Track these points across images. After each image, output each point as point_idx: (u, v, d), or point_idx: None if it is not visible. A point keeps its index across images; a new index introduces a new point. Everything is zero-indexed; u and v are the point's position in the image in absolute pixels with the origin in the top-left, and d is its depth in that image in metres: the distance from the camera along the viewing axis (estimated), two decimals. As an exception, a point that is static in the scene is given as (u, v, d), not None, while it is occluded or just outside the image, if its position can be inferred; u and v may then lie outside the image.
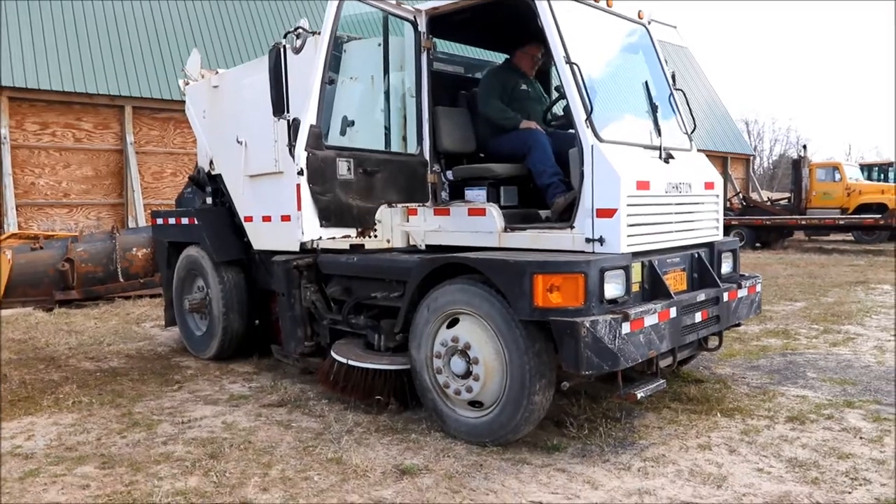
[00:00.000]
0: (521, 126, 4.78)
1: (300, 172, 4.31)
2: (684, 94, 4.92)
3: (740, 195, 20.94)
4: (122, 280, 9.22)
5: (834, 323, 7.42)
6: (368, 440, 3.99)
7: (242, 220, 5.86)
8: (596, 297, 3.55)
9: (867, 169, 21.89)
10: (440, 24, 4.70)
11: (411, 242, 4.89)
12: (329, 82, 4.43)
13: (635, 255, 3.86)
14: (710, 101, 26.11)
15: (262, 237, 5.67)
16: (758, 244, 18.24)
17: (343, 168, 4.50)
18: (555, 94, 5.43)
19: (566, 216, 4.15)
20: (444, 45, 5.05)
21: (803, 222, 18.14)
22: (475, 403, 3.92)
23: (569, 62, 3.90)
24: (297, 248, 5.12)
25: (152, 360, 6.15)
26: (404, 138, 4.87)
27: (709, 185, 4.61)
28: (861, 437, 3.91)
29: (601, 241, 3.79)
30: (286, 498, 3.26)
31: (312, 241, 4.56)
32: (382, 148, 4.81)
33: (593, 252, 3.81)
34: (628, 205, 3.79)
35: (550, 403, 3.83)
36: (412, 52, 4.75)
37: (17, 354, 6.36)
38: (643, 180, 3.91)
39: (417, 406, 4.40)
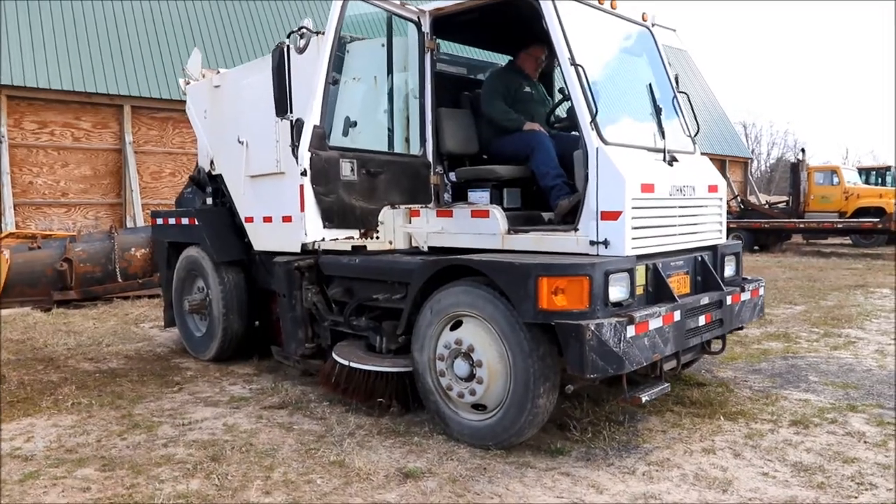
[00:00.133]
0: (524, 128, 4.76)
1: (304, 173, 4.29)
2: (688, 97, 4.92)
3: (738, 198, 20.96)
4: (120, 280, 9.19)
5: (834, 326, 7.41)
6: (371, 443, 3.97)
7: (243, 220, 5.84)
8: (600, 300, 3.53)
9: (865, 172, 21.94)
10: (444, 24, 4.68)
11: (413, 244, 4.87)
12: (333, 82, 4.40)
13: (639, 257, 3.85)
14: (708, 104, 26.15)
15: (262, 238, 5.65)
16: (756, 247, 18.25)
17: (346, 169, 4.47)
18: (558, 96, 5.43)
19: (570, 218, 4.13)
20: (447, 46, 5.03)
21: (801, 226, 18.15)
22: (478, 406, 3.90)
23: (574, 64, 3.89)
24: (298, 249, 5.10)
25: (152, 361, 6.11)
26: (407, 139, 4.85)
27: (712, 188, 4.60)
28: (865, 442, 3.89)
29: (605, 243, 3.77)
30: (289, 501, 3.24)
31: (315, 242, 4.54)
32: (385, 149, 4.79)
33: (597, 255, 3.80)
34: (633, 207, 3.77)
35: (554, 407, 3.81)
36: (415, 52, 4.73)
37: (16, 355, 6.32)
38: (648, 183, 3.90)
39: (419, 408, 4.38)
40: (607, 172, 3.77)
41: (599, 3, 4.41)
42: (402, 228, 4.84)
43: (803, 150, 19.83)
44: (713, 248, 4.61)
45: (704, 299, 4.19)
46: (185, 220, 6.28)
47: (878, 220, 16.96)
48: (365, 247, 4.84)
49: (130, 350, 6.55)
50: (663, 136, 4.35)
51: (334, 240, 4.61)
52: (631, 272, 3.72)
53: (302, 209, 4.40)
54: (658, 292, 3.97)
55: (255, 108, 5.49)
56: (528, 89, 5.06)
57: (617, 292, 3.63)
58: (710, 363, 5.63)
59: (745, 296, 4.63)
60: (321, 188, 4.41)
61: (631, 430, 4.10)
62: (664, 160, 4.23)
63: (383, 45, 4.81)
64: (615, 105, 4.24)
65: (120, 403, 4.81)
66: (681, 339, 3.92)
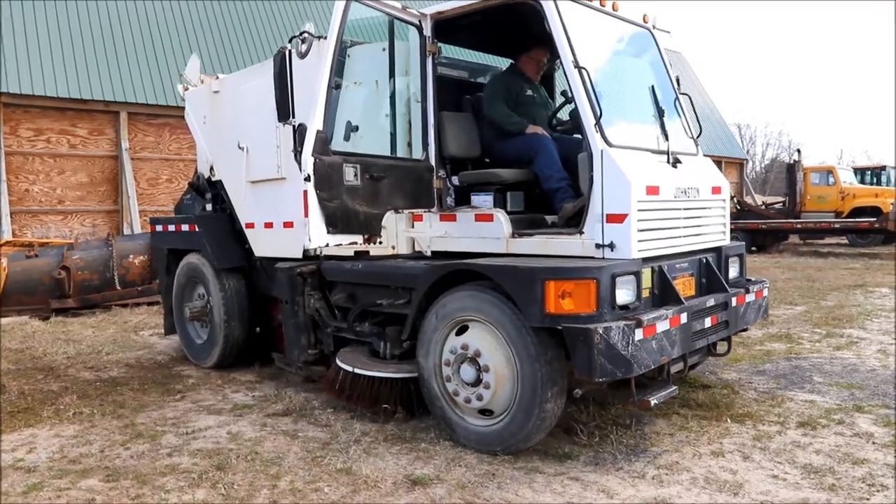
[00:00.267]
0: (526, 131, 4.74)
1: (307, 178, 4.26)
2: (690, 98, 4.91)
3: (735, 199, 21.00)
4: (119, 288, 9.13)
5: (836, 327, 7.41)
6: (377, 450, 3.94)
7: (244, 226, 5.81)
8: (608, 304, 3.52)
9: (860, 172, 22.00)
10: (445, 28, 4.66)
11: (417, 249, 4.85)
12: (335, 87, 4.38)
13: (645, 260, 3.83)
14: (704, 105, 26.20)
15: (263, 244, 5.62)
16: (753, 248, 18.27)
17: (350, 174, 4.45)
18: (559, 99, 5.41)
19: (574, 222, 4.11)
20: (448, 50, 5.00)
21: (799, 226, 18.18)
22: (485, 412, 3.87)
23: (577, 66, 3.87)
24: (300, 255, 5.07)
25: (153, 370, 6.07)
26: (409, 143, 4.83)
27: (716, 190, 4.59)
28: (874, 443, 3.88)
29: (611, 246, 3.75)
30: (297, 510, 3.21)
31: (319, 247, 4.51)
32: (388, 153, 4.76)
33: (603, 258, 3.78)
34: (638, 210, 3.75)
35: (561, 411, 3.79)
36: (417, 56, 4.71)
37: (15, 364, 6.27)
38: (653, 185, 3.89)
39: (424, 414, 4.35)
40: (612, 175, 3.75)
41: (601, 4, 4.40)
42: (404, 233, 4.82)
43: (799, 151, 19.92)
44: (717, 250, 4.60)
45: (710, 301, 4.18)
46: (185, 227, 6.25)
47: (874, 219, 16.99)
48: (367, 252, 4.81)
49: (131, 358, 6.50)
50: (667, 138, 4.34)
51: (338, 245, 4.58)
52: (637, 275, 3.71)
53: (306, 215, 4.38)
54: (664, 295, 3.96)
55: (255, 114, 5.47)
56: (529, 92, 5.05)
57: (624, 295, 3.62)
58: (714, 365, 5.61)
59: (750, 297, 4.62)
60: (325, 193, 4.38)
61: (638, 434, 4.08)
62: (668, 162, 4.22)
63: (384, 49, 4.78)
64: (618, 107, 4.23)
65: (122, 412, 4.77)
66: (687, 342, 3.91)
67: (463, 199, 4.84)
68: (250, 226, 5.73)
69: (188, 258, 6.29)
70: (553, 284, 3.46)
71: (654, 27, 4.92)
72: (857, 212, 18.50)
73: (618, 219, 3.73)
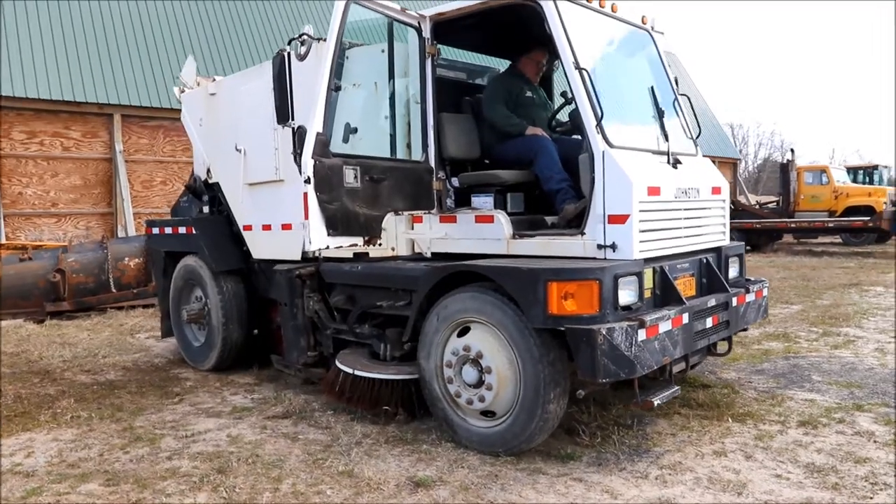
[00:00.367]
0: (526, 132, 4.74)
1: (307, 181, 4.24)
2: (688, 99, 4.92)
3: (729, 199, 21.07)
4: (114, 290, 9.08)
5: (832, 325, 7.44)
6: (379, 452, 3.93)
7: (241, 228, 5.79)
8: (610, 304, 3.52)
9: (853, 172, 22.11)
10: (444, 29, 4.65)
11: (416, 250, 4.83)
12: (335, 89, 4.36)
13: (646, 261, 3.84)
14: (697, 105, 26.25)
15: (261, 246, 5.60)
16: (748, 247, 18.32)
17: (350, 176, 4.43)
18: (558, 100, 5.41)
19: (575, 223, 4.11)
20: (446, 51, 4.99)
21: (793, 225, 18.26)
22: (487, 413, 3.87)
23: (578, 67, 3.87)
24: (298, 257, 5.06)
25: (150, 372, 6.04)
26: (409, 145, 4.82)
27: (716, 190, 4.60)
28: (875, 441, 3.89)
29: (613, 247, 3.75)
30: (300, 513, 3.19)
31: (320, 250, 4.50)
32: (387, 155, 4.75)
33: (605, 258, 3.78)
34: (640, 210, 3.75)
35: (564, 412, 3.79)
36: (416, 58, 4.69)
37: (11, 368, 6.23)
38: (654, 186, 3.89)
39: (425, 416, 4.34)
40: (614, 176, 3.75)
41: (601, 5, 4.40)
42: (404, 235, 4.81)
43: (793, 151, 19.95)
44: (717, 250, 4.61)
45: (711, 301, 4.19)
46: (182, 230, 6.22)
47: (868, 218, 17.09)
48: (367, 253, 4.79)
49: (127, 361, 6.46)
50: (667, 139, 4.34)
51: (338, 247, 4.57)
52: (639, 275, 3.71)
53: (306, 217, 4.36)
54: (665, 295, 3.96)
55: (252, 116, 5.45)
56: (529, 94, 5.05)
57: (626, 296, 3.62)
58: (713, 364, 5.62)
59: (750, 297, 4.63)
60: (325, 196, 4.36)
61: (640, 434, 4.08)
62: (668, 163, 4.22)
63: (383, 51, 4.77)
64: (618, 108, 4.23)
65: (120, 416, 4.74)
66: (689, 342, 3.91)
67: (462, 201, 4.83)
68: (248, 228, 5.71)
69: (185, 261, 6.26)
70: (556, 285, 3.45)
71: (652, 28, 4.92)
72: (851, 211, 18.59)
73: (619, 219, 3.73)
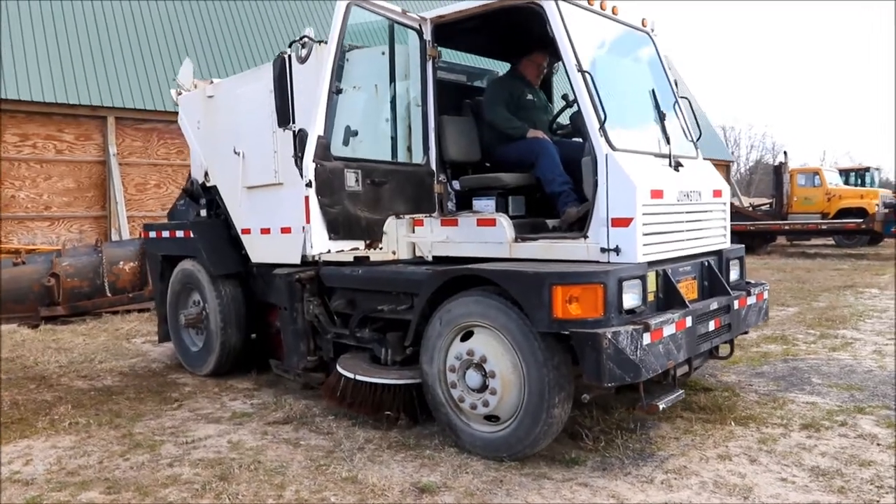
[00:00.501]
0: (527, 135, 4.73)
1: (309, 184, 4.22)
2: (689, 102, 4.92)
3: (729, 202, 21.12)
4: (109, 295, 9.00)
5: (829, 328, 7.46)
6: (382, 457, 3.90)
7: (239, 232, 5.76)
8: (615, 308, 3.51)
9: (845, 174, 22.24)
10: (445, 32, 4.64)
11: (417, 254, 4.81)
12: (336, 92, 4.34)
13: (650, 264, 3.83)
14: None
15: (260, 250, 5.57)
16: (742, 249, 18.39)
17: (351, 179, 4.41)
18: (557, 103, 5.41)
19: (577, 226, 4.11)
20: (446, 54, 4.97)
21: (787, 227, 18.34)
22: (491, 418, 3.84)
23: (581, 70, 3.87)
24: (297, 261, 5.03)
25: (147, 378, 5.99)
26: (409, 148, 4.80)
27: (717, 193, 4.60)
28: (878, 444, 3.90)
29: (617, 250, 3.74)
30: (305, 520, 3.17)
31: (321, 254, 4.47)
32: (388, 158, 4.73)
33: (609, 262, 3.77)
34: (644, 214, 3.75)
35: (568, 416, 3.78)
36: (417, 60, 4.68)
37: (6, 374, 6.16)
38: (657, 189, 3.88)
39: (427, 421, 4.32)
40: (617, 179, 3.74)
41: (602, 8, 4.40)
42: (405, 238, 4.78)
43: (786, 153, 20.09)
44: (718, 253, 4.61)
45: (713, 304, 4.18)
46: (179, 233, 6.17)
47: (861, 220, 17.18)
48: (367, 257, 4.77)
49: (124, 366, 6.41)
50: (668, 142, 4.33)
51: (339, 251, 4.55)
52: (643, 279, 3.70)
53: (307, 221, 4.34)
54: (668, 298, 3.95)
55: (251, 119, 5.42)
56: (530, 96, 5.04)
57: (630, 299, 3.61)
58: (713, 367, 5.62)
59: (751, 300, 4.63)
60: (326, 199, 4.35)
61: (644, 438, 4.07)
62: (670, 165, 4.22)
63: (383, 53, 4.75)
64: (620, 111, 4.22)
65: (119, 422, 4.69)
66: (693, 345, 3.91)
67: (463, 204, 4.82)
68: (246, 231, 5.68)
69: (183, 264, 6.21)
70: (560, 289, 3.44)
71: (652, 30, 4.93)
72: (843, 213, 18.69)
73: (623, 223, 3.72)
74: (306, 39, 4.33)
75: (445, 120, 4.77)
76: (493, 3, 4.28)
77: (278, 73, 4.27)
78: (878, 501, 3.18)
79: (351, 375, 4.46)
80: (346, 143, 4.66)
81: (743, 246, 5.04)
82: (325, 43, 4.39)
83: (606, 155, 3.78)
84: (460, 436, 3.96)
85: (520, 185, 4.69)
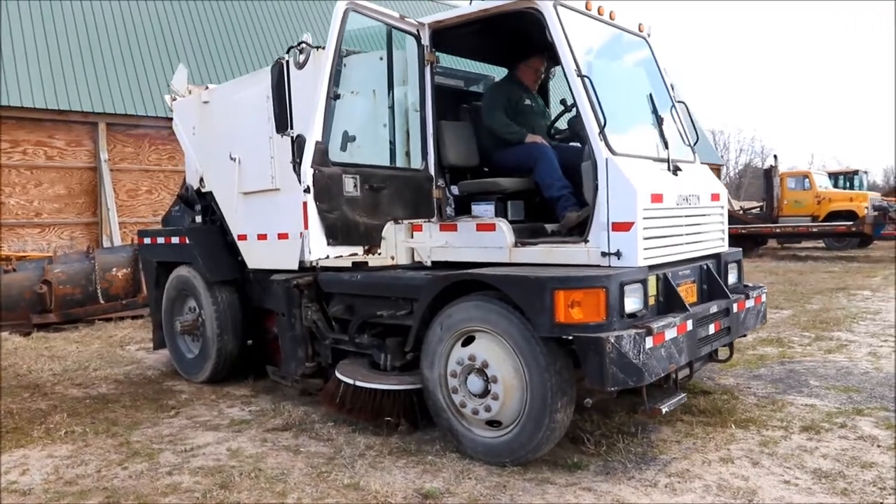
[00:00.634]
0: (526, 140, 4.74)
1: (307, 190, 4.20)
2: (686, 106, 4.94)
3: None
4: (102, 302, 8.94)
5: (824, 330, 7.50)
6: (383, 463, 3.88)
7: (236, 238, 5.72)
8: (616, 312, 3.51)
9: (834, 177, 22.41)
10: (443, 37, 4.65)
11: (416, 259, 4.80)
12: (334, 97, 4.33)
13: (650, 268, 3.84)
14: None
15: (257, 256, 5.54)
16: (733, 252, 18.46)
17: (349, 185, 4.40)
18: (554, 108, 5.42)
19: (577, 230, 4.11)
20: (443, 59, 4.98)
21: (778, 230, 18.45)
22: (493, 423, 3.83)
23: (580, 75, 3.87)
24: (295, 266, 5.00)
25: (143, 385, 5.94)
26: (408, 153, 4.79)
27: (715, 197, 4.62)
28: (879, 446, 3.91)
29: (618, 254, 3.74)
30: (309, 528, 3.14)
31: (319, 259, 4.45)
32: (387, 163, 4.72)
33: (609, 266, 3.77)
34: (644, 218, 3.76)
35: (570, 421, 3.77)
36: (415, 65, 4.68)
37: (-1, 382, 6.10)
38: (657, 193, 3.89)
39: (428, 426, 4.30)
40: (618, 183, 3.75)
41: (599, 13, 4.41)
42: (404, 243, 4.77)
43: (776, 157, 20.20)
44: (717, 256, 4.63)
45: (713, 308, 4.20)
46: (175, 239, 6.14)
47: (851, 223, 17.32)
48: (366, 263, 4.75)
49: (119, 374, 6.35)
50: (666, 146, 4.35)
51: (338, 257, 4.53)
52: (644, 283, 3.71)
53: (306, 227, 4.32)
54: (669, 302, 3.96)
55: (247, 124, 5.40)
56: (528, 101, 5.05)
57: (632, 303, 3.61)
58: (711, 370, 5.64)
59: (750, 303, 4.65)
60: (324, 205, 4.33)
61: (645, 442, 4.07)
62: (668, 170, 4.24)
63: (381, 59, 4.74)
64: (619, 115, 4.23)
65: (116, 431, 4.64)
66: (693, 349, 3.91)
67: (462, 209, 4.81)
68: (243, 237, 5.65)
69: (178, 271, 6.17)
70: (563, 294, 3.44)
71: (649, 35, 4.95)
72: (833, 215, 18.83)
73: (624, 227, 3.73)
74: (304, 45, 4.32)
75: (444, 125, 4.76)
76: (491, 8, 4.29)
77: (276, 79, 4.26)
78: (881, 503, 3.19)
79: (350, 381, 4.44)
80: (343, 148, 4.65)
81: (740, 249, 5.06)
82: (323, 48, 4.38)
83: (607, 159, 3.79)
84: (462, 441, 3.94)
85: (518, 190, 4.70)
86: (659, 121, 4.45)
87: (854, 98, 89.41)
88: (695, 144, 4.87)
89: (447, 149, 4.74)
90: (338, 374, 4.57)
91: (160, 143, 13.85)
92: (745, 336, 4.93)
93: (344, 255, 4.54)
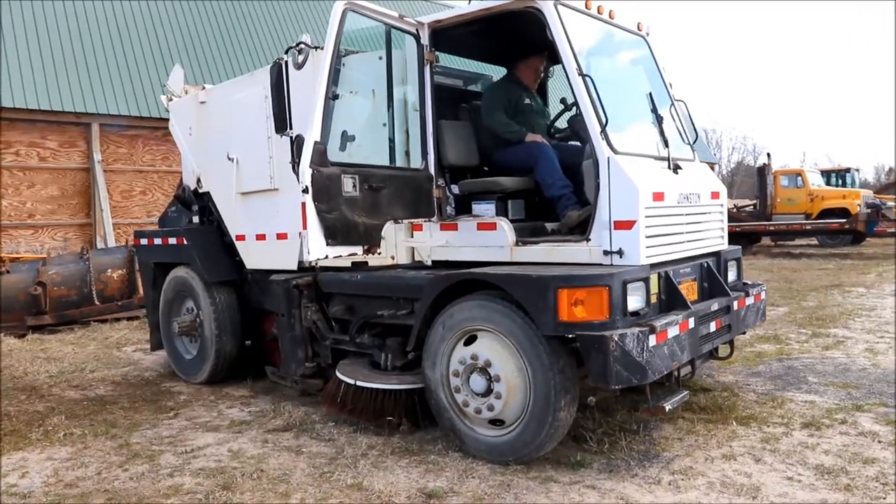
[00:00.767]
0: (526, 139, 4.74)
1: (305, 190, 4.19)
2: (685, 105, 4.95)
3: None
4: (97, 303, 8.89)
5: (820, 327, 7.53)
6: (385, 463, 3.87)
7: (234, 238, 5.70)
8: (620, 310, 3.51)
9: (826, 175, 22.51)
10: (442, 37, 4.64)
11: (417, 258, 4.79)
12: (333, 97, 4.32)
13: (652, 266, 3.84)
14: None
15: (256, 256, 5.52)
16: (727, 250, 18.52)
17: (348, 185, 4.39)
18: (553, 107, 5.42)
19: (578, 229, 4.11)
20: (442, 59, 4.97)
21: (772, 228, 18.52)
22: (496, 422, 3.83)
23: (582, 74, 3.88)
24: (294, 267, 4.98)
25: (141, 386, 5.91)
26: (407, 153, 4.79)
27: (715, 195, 4.63)
28: (879, 441, 3.93)
29: (620, 253, 3.75)
30: (314, 529, 3.13)
31: (318, 259, 4.44)
32: (386, 163, 4.72)
33: (612, 264, 3.78)
34: (646, 216, 3.76)
35: (573, 419, 3.77)
36: (414, 65, 4.67)
37: (-5, 385, 6.05)
38: (658, 191, 3.90)
39: (430, 426, 4.30)
40: (620, 182, 3.75)
41: (599, 12, 4.41)
42: (404, 243, 4.77)
43: (769, 155, 20.27)
44: (716, 254, 4.64)
45: (714, 305, 4.21)
46: (172, 240, 6.11)
47: (845, 220, 17.41)
48: (365, 262, 4.75)
49: (116, 375, 6.32)
50: (666, 145, 4.36)
51: (337, 257, 4.52)
52: (646, 281, 3.72)
53: (304, 227, 4.31)
54: (670, 300, 3.97)
55: (245, 124, 5.38)
56: (527, 101, 5.05)
57: (634, 302, 3.62)
58: (710, 367, 5.65)
59: (750, 300, 4.67)
60: (323, 205, 4.32)
61: (647, 440, 4.07)
62: (669, 168, 4.24)
63: (381, 58, 4.74)
64: (620, 114, 4.23)
65: (115, 432, 4.62)
66: (695, 346, 3.93)
67: (462, 209, 4.81)
68: (241, 238, 5.62)
69: (175, 272, 6.15)
70: (566, 292, 3.44)
71: (647, 34, 4.96)
72: (826, 213, 18.92)
73: (626, 225, 3.73)
74: (303, 45, 4.31)
75: (444, 124, 4.76)
76: (491, 7, 4.28)
77: (275, 80, 4.25)
78: (884, 498, 3.21)
79: (351, 381, 4.43)
80: (343, 148, 4.65)
81: (739, 247, 5.07)
82: (322, 49, 4.37)
83: (608, 158, 3.79)
84: (464, 440, 3.94)
85: (519, 189, 4.70)
86: (659, 119, 4.46)
87: (845, 96, 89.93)
88: (694, 143, 4.88)
89: (447, 148, 4.73)
90: (338, 375, 4.55)
91: (154, 143, 13.79)
92: (744, 333, 4.94)
93: (343, 255, 4.53)
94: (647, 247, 3.78)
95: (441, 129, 4.70)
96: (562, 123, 5.19)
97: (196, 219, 6.35)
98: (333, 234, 4.45)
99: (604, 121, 3.82)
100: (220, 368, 5.81)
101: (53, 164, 12.95)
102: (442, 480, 3.61)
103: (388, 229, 4.70)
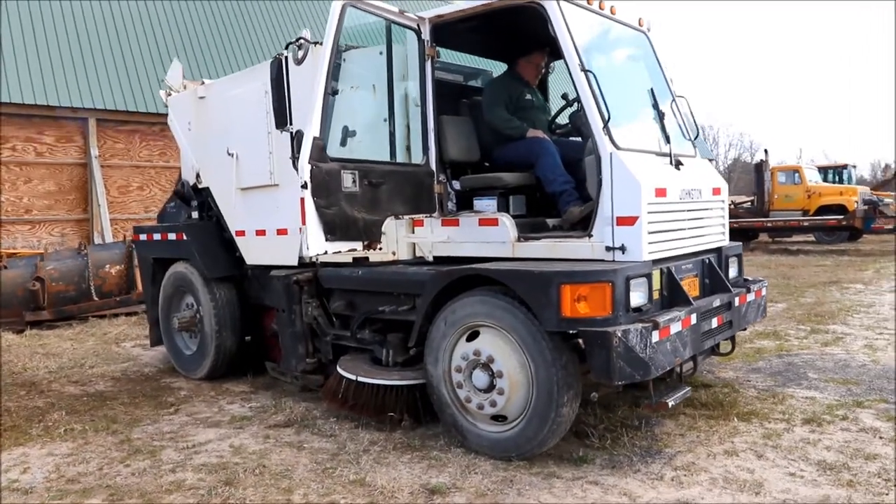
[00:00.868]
0: (527, 135, 4.73)
1: (304, 186, 4.18)
2: (686, 101, 4.94)
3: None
4: (96, 298, 8.87)
5: (819, 323, 7.55)
6: (388, 459, 3.87)
7: (234, 234, 5.68)
8: (622, 306, 3.51)
9: (823, 171, 22.55)
10: (443, 32, 4.63)
11: (418, 254, 4.79)
12: (332, 93, 4.30)
13: (654, 262, 3.84)
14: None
15: (255, 252, 5.50)
16: (725, 246, 18.54)
17: (348, 180, 4.38)
18: (555, 103, 5.41)
19: (580, 225, 4.11)
20: (442, 54, 4.95)
21: (769, 224, 18.55)
22: (498, 418, 3.83)
23: (584, 69, 3.87)
24: (294, 262, 4.97)
25: (141, 382, 5.89)
26: (408, 148, 4.78)
27: (716, 191, 4.63)
28: (881, 437, 3.94)
29: (622, 249, 3.74)
30: (317, 525, 3.13)
31: (318, 255, 4.43)
32: (387, 158, 4.70)
33: (614, 260, 3.77)
34: (648, 212, 3.76)
35: (575, 415, 3.77)
36: (415, 60, 4.66)
37: (-6, 381, 6.03)
38: (660, 187, 3.90)
39: (431, 422, 4.30)
40: (622, 178, 3.75)
41: (600, 7, 4.40)
42: (405, 239, 4.76)
43: (766, 151, 20.28)
44: (718, 250, 4.64)
45: (716, 301, 4.21)
46: (171, 235, 6.08)
47: (842, 217, 17.44)
48: (366, 258, 4.75)
49: (116, 371, 6.30)
50: (668, 140, 4.35)
51: (337, 252, 4.50)
52: (649, 277, 3.71)
53: (303, 222, 4.30)
54: (672, 296, 3.96)
55: (245, 120, 5.36)
56: (528, 96, 5.04)
57: (637, 297, 3.61)
58: (710, 364, 5.66)
59: (751, 296, 4.68)
60: (322, 201, 4.31)
61: (649, 435, 4.08)
62: (671, 164, 4.24)
63: (381, 53, 4.72)
64: (621, 110, 4.22)
65: (116, 428, 4.61)
66: (697, 342, 3.93)
67: (463, 204, 4.80)
68: (241, 234, 5.60)
69: (175, 267, 6.13)
70: (569, 288, 3.43)
71: (649, 30, 4.95)
72: (823, 209, 18.95)
73: (628, 221, 3.73)
74: (302, 41, 4.29)
75: (445, 120, 4.75)
76: (493, 2, 4.27)
77: (275, 75, 4.23)
78: (887, 494, 3.22)
79: (352, 377, 4.42)
80: (343, 143, 4.63)
81: (741, 243, 5.08)
82: (321, 44, 4.35)
83: (611, 154, 3.79)
84: (467, 436, 3.94)
85: (520, 185, 4.69)
86: (660, 115, 4.45)
87: (841, 93, 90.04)
88: (695, 139, 4.87)
89: (448, 144, 4.72)
90: (340, 370, 4.55)
91: (151, 138, 13.74)
92: (744, 330, 4.95)
93: (343, 250, 4.51)
94: (650, 243, 3.78)
95: (442, 125, 4.69)
96: (563, 119, 5.18)
97: (195, 214, 6.34)
98: (332, 230, 4.45)
99: (606, 116, 3.81)
100: (220, 364, 5.80)
101: (50, 160, 12.89)
102: (444, 476, 3.61)
103: (389, 225, 4.69)
